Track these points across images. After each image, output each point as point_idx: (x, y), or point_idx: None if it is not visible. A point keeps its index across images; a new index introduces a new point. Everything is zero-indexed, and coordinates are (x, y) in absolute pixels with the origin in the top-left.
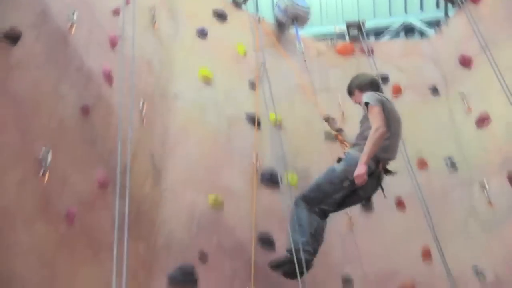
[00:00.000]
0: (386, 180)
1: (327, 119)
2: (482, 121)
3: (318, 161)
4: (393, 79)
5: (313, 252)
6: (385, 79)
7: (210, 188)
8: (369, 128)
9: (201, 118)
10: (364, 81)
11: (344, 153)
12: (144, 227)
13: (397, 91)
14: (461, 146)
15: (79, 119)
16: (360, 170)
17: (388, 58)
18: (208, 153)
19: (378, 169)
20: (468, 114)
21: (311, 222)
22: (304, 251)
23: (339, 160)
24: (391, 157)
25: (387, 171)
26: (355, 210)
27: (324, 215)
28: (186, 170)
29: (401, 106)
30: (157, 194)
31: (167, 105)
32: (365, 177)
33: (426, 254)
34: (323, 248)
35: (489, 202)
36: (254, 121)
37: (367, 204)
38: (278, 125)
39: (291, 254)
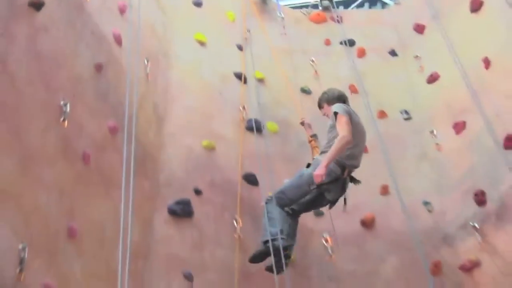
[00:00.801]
0: None
1: (303, 124)
2: (432, 79)
3: (294, 111)
4: (359, 43)
5: (290, 242)
6: (352, 43)
7: (204, 134)
8: (336, 137)
9: (197, 75)
10: (332, 95)
11: (313, 158)
12: (148, 167)
13: (362, 53)
14: (414, 100)
15: (93, 75)
16: (319, 170)
17: (354, 25)
18: (203, 105)
19: (344, 175)
20: (420, 73)
21: (284, 218)
22: (280, 239)
23: (308, 165)
24: (356, 164)
25: (353, 179)
26: None
27: (295, 215)
28: (184, 118)
29: (365, 66)
30: (160, 139)
31: (168, 64)
32: (323, 177)
33: (385, 190)
34: None
35: (437, 146)
36: (241, 77)
37: (332, 206)
38: (261, 81)
39: (267, 244)
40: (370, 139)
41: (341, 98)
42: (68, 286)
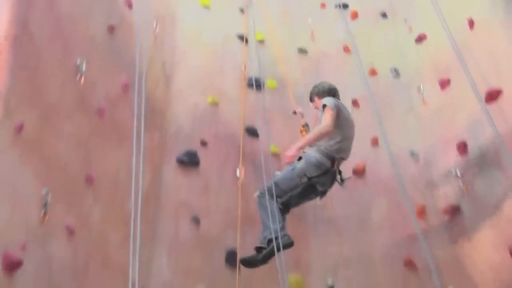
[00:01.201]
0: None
1: (295, 113)
2: (420, 39)
3: (291, 70)
4: (352, 6)
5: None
6: (345, 6)
7: (209, 90)
8: None
9: (202, 36)
10: (322, 89)
11: (304, 152)
12: (158, 121)
13: (355, 16)
14: (403, 59)
15: (106, 36)
16: (290, 151)
17: None
18: (208, 64)
19: (333, 167)
20: (409, 34)
21: (280, 213)
22: (282, 236)
23: (299, 158)
24: (345, 157)
25: (342, 179)
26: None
27: (286, 209)
28: (190, 77)
29: (357, 28)
30: (168, 95)
31: (174, 26)
32: (292, 159)
33: (375, 142)
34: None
35: (424, 101)
36: (243, 39)
37: (322, 197)
38: (261, 42)
39: (272, 242)
40: (361, 95)
41: (331, 92)
42: (87, 228)
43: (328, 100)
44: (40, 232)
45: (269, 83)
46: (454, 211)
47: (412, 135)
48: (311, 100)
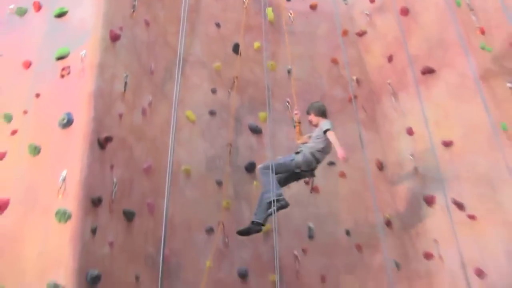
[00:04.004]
0: None
1: (296, 114)
2: None
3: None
4: None
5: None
6: None
7: None
8: (322, 141)
9: None
10: (319, 108)
11: (301, 147)
12: None
13: None
14: None
15: None
16: (343, 153)
17: None
18: None
19: (315, 168)
20: None
21: (274, 180)
22: (281, 199)
23: (297, 152)
24: (322, 160)
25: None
26: None
27: (280, 183)
28: None
29: None
30: None
31: None
32: (345, 154)
33: None
34: None
35: None
36: None
37: (299, 180)
38: None
39: (279, 200)
40: None
41: (326, 112)
42: None
43: (328, 124)
44: (131, 21)
45: (268, 12)
46: (363, 33)
47: None
48: (308, 113)
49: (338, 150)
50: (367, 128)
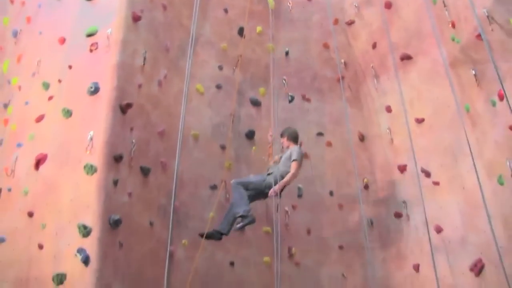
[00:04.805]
0: None
1: (271, 136)
2: None
3: None
4: None
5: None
6: None
7: None
8: (288, 168)
9: None
10: (292, 134)
11: (272, 168)
12: None
13: None
14: None
15: None
16: (275, 189)
17: None
18: None
19: (283, 188)
20: None
21: (245, 196)
22: (249, 215)
23: (269, 174)
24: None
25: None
26: None
27: (249, 199)
28: None
29: None
30: None
31: None
32: (277, 192)
33: None
34: None
35: None
36: None
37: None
38: None
39: (246, 216)
40: None
41: (297, 138)
42: None
43: (298, 156)
44: (150, 4)
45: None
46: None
47: None
48: (282, 136)
49: (279, 184)
50: (351, 104)
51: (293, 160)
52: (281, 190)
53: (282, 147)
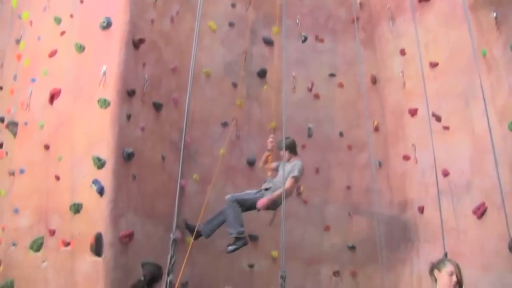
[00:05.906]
0: None
1: (271, 142)
2: None
3: None
4: None
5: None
6: None
7: None
8: (288, 177)
9: None
10: (290, 146)
11: (270, 183)
12: None
13: None
14: None
15: None
16: (263, 201)
17: None
18: None
19: (280, 204)
20: None
21: (240, 215)
22: (243, 237)
23: (267, 189)
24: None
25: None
26: None
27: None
28: None
29: None
30: None
31: None
32: (265, 206)
33: None
34: None
35: None
36: None
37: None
38: None
39: (240, 238)
40: None
41: (295, 148)
42: None
43: (299, 172)
44: None
45: None
46: None
47: None
48: (280, 148)
49: (267, 197)
50: (365, 46)
51: (292, 177)
52: (274, 204)
53: (283, 157)
